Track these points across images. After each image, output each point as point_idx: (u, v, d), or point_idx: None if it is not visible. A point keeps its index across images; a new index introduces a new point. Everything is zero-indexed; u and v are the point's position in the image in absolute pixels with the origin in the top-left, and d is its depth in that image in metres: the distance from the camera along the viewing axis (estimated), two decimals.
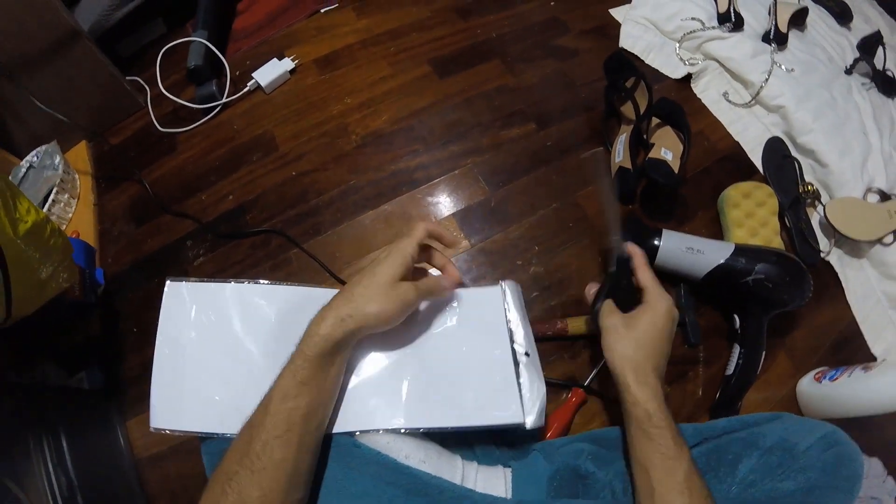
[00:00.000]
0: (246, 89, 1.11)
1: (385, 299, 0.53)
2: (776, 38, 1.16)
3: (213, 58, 1.10)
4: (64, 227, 0.98)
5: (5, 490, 0.54)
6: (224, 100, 1.09)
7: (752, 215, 0.93)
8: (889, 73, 1.21)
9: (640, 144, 0.97)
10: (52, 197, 0.95)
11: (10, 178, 0.95)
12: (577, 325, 0.81)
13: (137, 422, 0.79)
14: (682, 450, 0.50)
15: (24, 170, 0.97)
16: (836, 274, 0.96)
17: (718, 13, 1.18)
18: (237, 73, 1.14)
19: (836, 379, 0.78)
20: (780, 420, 0.59)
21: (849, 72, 1.21)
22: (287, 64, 1.13)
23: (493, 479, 0.59)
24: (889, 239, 0.97)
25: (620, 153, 0.95)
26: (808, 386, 0.83)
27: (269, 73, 1.12)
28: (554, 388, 0.78)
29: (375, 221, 0.94)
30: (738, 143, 1.07)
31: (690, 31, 1.16)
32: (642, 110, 0.94)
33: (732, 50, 1.13)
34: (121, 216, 1.00)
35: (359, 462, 0.53)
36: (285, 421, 0.46)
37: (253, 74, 1.11)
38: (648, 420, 0.51)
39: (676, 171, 0.88)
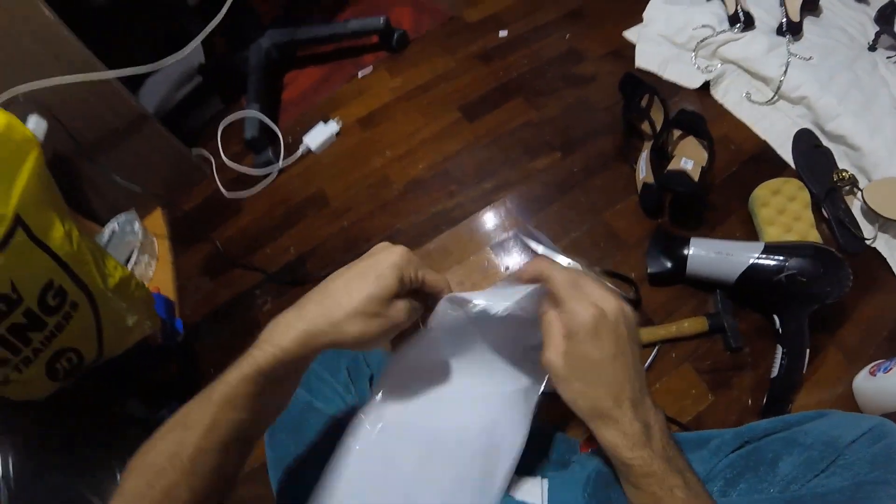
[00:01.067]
0: (298, 153, 1.25)
1: (372, 321, 0.43)
2: (790, 29, 1.17)
3: (266, 128, 1.25)
4: (146, 284, 1.11)
5: None
6: (280, 164, 1.23)
7: (783, 211, 0.95)
8: None
9: (662, 158, 1.01)
10: (133, 258, 1.09)
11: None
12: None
13: None
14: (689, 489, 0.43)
15: (107, 236, 1.08)
16: (884, 260, 0.94)
17: (728, 16, 1.21)
18: (289, 138, 1.29)
19: (892, 370, 0.76)
20: (825, 417, 0.56)
21: (872, 48, 1.19)
22: (332, 126, 1.27)
23: (530, 489, 0.60)
24: None
25: (643, 169, 1.00)
26: (864, 381, 0.81)
27: (317, 136, 1.26)
28: None
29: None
30: (765, 141, 1.09)
31: (703, 39, 1.20)
32: (658, 126, 0.99)
33: (746, 49, 1.16)
34: (196, 273, 1.14)
35: None
36: (225, 432, 0.41)
37: (303, 139, 1.26)
38: (629, 470, 0.44)
39: (696, 178, 0.92)
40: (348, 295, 0.43)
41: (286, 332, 0.42)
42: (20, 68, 0.87)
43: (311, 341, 0.42)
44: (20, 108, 0.80)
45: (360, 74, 1.39)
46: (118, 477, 0.71)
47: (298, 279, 1.06)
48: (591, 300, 0.44)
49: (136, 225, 1.12)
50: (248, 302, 1.07)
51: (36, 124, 0.78)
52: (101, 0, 0.98)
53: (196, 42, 1.02)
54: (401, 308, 0.45)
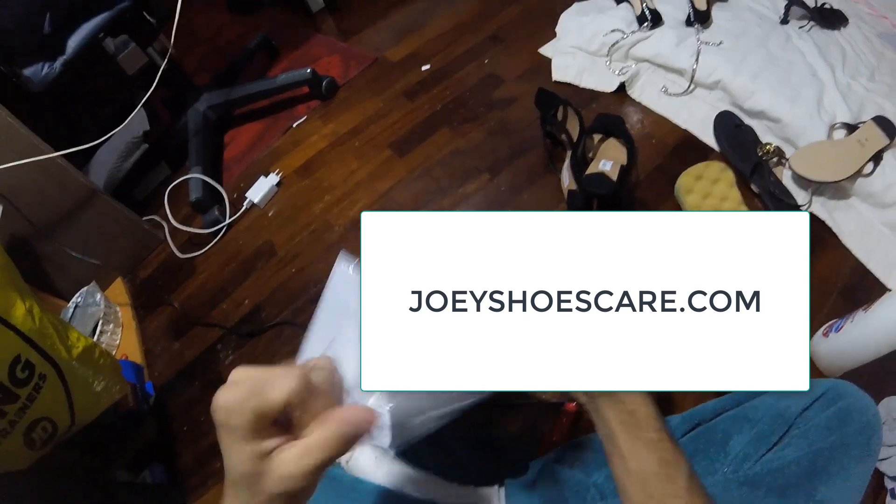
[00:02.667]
0: (243, 208, 1.28)
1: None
2: (697, 19, 1.19)
3: (211, 188, 1.28)
4: (113, 352, 1.13)
5: None
6: (227, 221, 1.26)
7: (709, 195, 0.95)
8: (827, 7, 1.20)
9: (585, 164, 1.02)
10: (98, 328, 1.10)
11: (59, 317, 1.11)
12: None
13: None
14: (679, 453, 0.42)
15: (71, 310, 1.11)
16: (823, 223, 0.94)
17: (636, 16, 1.23)
18: (234, 195, 1.32)
19: (842, 328, 0.75)
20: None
21: (784, 21, 1.21)
22: (273, 179, 1.30)
23: (487, 497, 0.60)
24: (869, 168, 0.94)
25: (566, 178, 1.00)
26: (818, 343, 0.79)
27: (259, 190, 1.28)
28: (550, 407, 0.80)
29: None
30: (687, 131, 1.10)
31: (614, 43, 1.22)
32: (575, 135, 1.00)
33: (657, 45, 1.18)
34: (161, 335, 1.16)
35: (344, 490, 0.55)
36: None
37: (247, 194, 1.28)
38: (648, 423, 0.42)
39: (615, 178, 0.92)
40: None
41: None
42: None
43: None
44: None
45: (294, 125, 1.43)
46: None
47: (255, 330, 1.08)
48: None
49: (98, 297, 1.15)
50: (211, 357, 1.08)
51: None
52: (38, 87, 1.01)
53: (134, 113, 1.06)
54: (283, 461, 0.30)
